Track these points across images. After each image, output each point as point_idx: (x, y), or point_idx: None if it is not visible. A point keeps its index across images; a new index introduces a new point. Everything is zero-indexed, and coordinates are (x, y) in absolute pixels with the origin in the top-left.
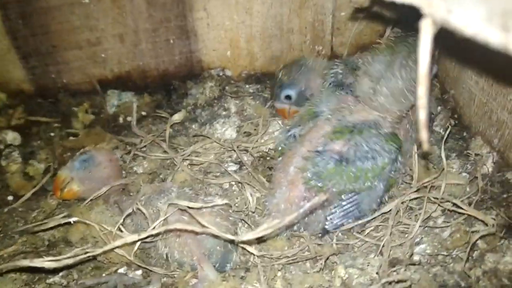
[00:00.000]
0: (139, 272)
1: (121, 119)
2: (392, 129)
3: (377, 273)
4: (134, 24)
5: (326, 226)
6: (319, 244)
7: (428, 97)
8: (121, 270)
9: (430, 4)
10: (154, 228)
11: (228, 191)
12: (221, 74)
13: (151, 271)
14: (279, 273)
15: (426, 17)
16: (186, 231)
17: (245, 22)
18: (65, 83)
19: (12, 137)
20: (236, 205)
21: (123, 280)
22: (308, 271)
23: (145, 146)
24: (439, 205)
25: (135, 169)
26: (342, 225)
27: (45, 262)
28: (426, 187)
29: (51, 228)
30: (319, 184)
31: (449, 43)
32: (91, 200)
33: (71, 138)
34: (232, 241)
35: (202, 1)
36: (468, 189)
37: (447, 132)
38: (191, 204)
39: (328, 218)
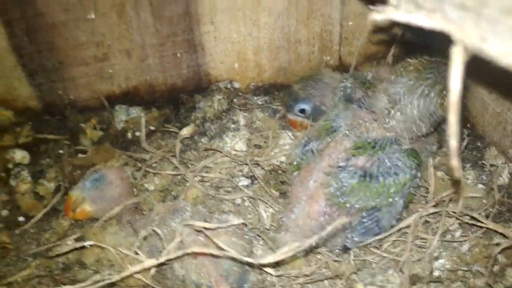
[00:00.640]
0: None
1: (129, 135)
2: (411, 145)
3: None
4: (141, 39)
5: (347, 244)
6: (337, 261)
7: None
8: None
9: (462, 30)
10: (171, 250)
11: (241, 207)
12: (229, 86)
13: None
14: None
15: (457, 44)
16: (204, 254)
17: (252, 34)
18: (72, 99)
19: (20, 156)
20: (250, 221)
21: None
22: None
23: (155, 162)
24: (457, 218)
25: (146, 186)
26: (362, 242)
27: None
28: (444, 201)
29: (67, 252)
30: (342, 200)
31: None
32: (103, 220)
33: (80, 155)
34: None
35: (209, 15)
36: (484, 201)
37: (464, 143)
38: (207, 225)
39: (349, 235)
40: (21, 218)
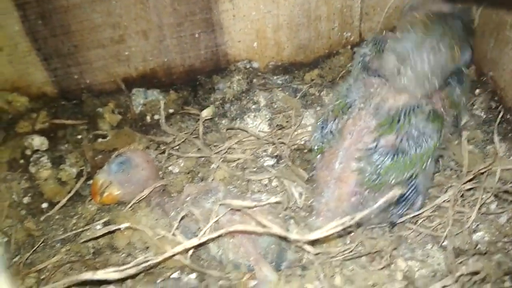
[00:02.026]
0: (193, 276)
1: (148, 118)
2: (431, 105)
3: (438, 264)
4: (158, 19)
5: (393, 219)
6: (372, 238)
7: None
8: (174, 275)
9: None
10: (207, 231)
11: (268, 187)
12: (248, 66)
13: (205, 274)
14: (337, 270)
15: None
16: (245, 232)
17: (272, 12)
18: (89, 83)
19: (39, 142)
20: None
21: (179, 286)
22: (366, 266)
23: (178, 145)
24: (495, 196)
25: (170, 169)
26: (405, 214)
27: (109, 274)
28: (481, 174)
29: (102, 236)
30: (378, 182)
31: (486, 25)
32: (133, 203)
33: (100, 140)
34: (286, 239)
35: None
36: None
37: (500, 116)
38: (245, 204)
39: (395, 211)
40: (44, 205)
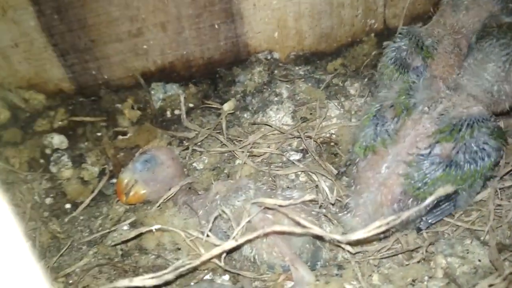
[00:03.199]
0: (226, 277)
1: (168, 113)
2: (496, 122)
3: (479, 260)
4: (176, 10)
5: (420, 226)
6: (407, 235)
7: None
8: (207, 277)
9: None
10: (241, 230)
11: (296, 182)
12: (268, 57)
13: (239, 275)
14: (374, 268)
15: None
16: (283, 232)
17: (293, 0)
18: (107, 79)
19: (58, 140)
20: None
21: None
22: (403, 264)
23: (201, 140)
24: None
25: (194, 165)
26: (435, 223)
27: (146, 280)
28: None
29: (132, 238)
30: (423, 191)
31: None
32: (161, 203)
33: (120, 137)
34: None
35: None
36: None
37: None
38: (279, 202)
39: (424, 218)
40: (67, 205)
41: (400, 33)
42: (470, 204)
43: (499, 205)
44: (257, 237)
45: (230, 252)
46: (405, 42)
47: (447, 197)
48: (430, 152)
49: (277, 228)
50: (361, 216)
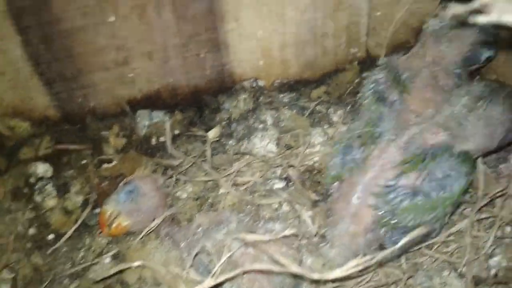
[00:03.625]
0: None
1: (154, 140)
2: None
3: None
4: (162, 40)
5: (385, 243)
6: (387, 266)
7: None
8: None
9: None
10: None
11: (279, 211)
12: (254, 85)
13: None
14: None
15: None
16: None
17: (278, 30)
18: (93, 107)
19: (43, 169)
20: (290, 225)
21: None
22: None
23: (186, 168)
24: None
25: (178, 195)
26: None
27: None
28: (494, 198)
29: (112, 275)
30: (392, 222)
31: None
32: (143, 236)
33: (105, 165)
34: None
35: (234, 11)
36: None
37: None
38: (260, 237)
39: (390, 235)
40: (50, 236)
41: (378, 65)
42: (447, 235)
43: (476, 236)
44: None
45: None
46: (383, 74)
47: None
48: (396, 183)
49: (256, 266)
50: (339, 247)
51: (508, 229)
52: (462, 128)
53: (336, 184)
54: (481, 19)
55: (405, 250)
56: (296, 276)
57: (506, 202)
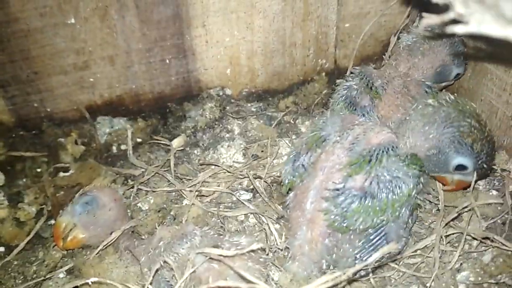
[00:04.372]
0: None
1: (114, 148)
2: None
3: None
4: (125, 44)
5: (356, 263)
6: (355, 280)
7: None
8: None
9: None
10: (184, 282)
11: (245, 224)
12: (220, 93)
13: None
14: None
15: None
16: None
17: (246, 38)
18: (49, 112)
19: None
20: (257, 239)
21: None
22: None
23: (148, 179)
24: (480, 241)
25: (139, 206)
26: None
27: None
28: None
29: None
30: (344, 225)
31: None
32: (100, 249)
33: (61, 174)
34: None
35: (201, 17)
36: (499, 208)
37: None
38: (224, 252)
39: (358, 256)
40: (1, 249)
41: (352, 73)
42: (414, 250)
43: (443, 251)
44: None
45: None
46: (356, 81)
47: (376, 230)
48: (344, 186)
49: (222, 283)
50: (300, 259)
51: (475, 243)
52: (403, 125)
53: (291, 194)
54: (459, 29)
55: (376, 266)
56: None
57: (473, 217)
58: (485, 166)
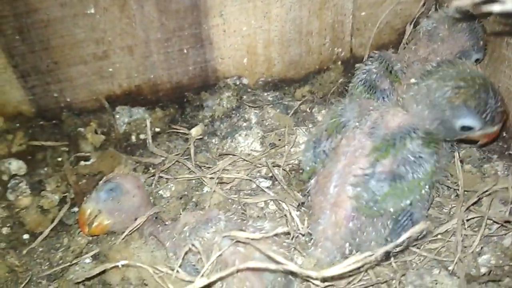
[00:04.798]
0: None
1: (133, 138)
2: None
3: None
4: (144, 34)
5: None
6: (377, 265)
7: None
8: None
9: None
10: (212, 265)
11: (265, 210)
12: (237, 83)
13: None
14: None
15: None
16: (257, 269)
17: (263, 27)
18: (69, 102)
19: (16, 166)
20: (280, 224)
21: None
22: None
23: (168, 167)
24: (502, 225)
25: (161, 193)
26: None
27: None
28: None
29: (95, 276)
30: (375, 209)
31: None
32: (126, 235)
33: (82, 162)
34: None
35: (219, 7)
36: None
37: None
38: (251, 235)
39: (388, 239)
40: (25, 236)
41: (371, 57)
42: (435, 234)
43: (464, 235)
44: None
45: None
46: (376, 65)
47: (403, 211)
48: (373, 171)
49: (252, 264)
50: (323, 246)
51: (494, 227)
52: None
53: (312, 180)
54: (496, 8)
55: (405, 246)
56: (286, 276)
57: (493, 202)
58: (492, 113)
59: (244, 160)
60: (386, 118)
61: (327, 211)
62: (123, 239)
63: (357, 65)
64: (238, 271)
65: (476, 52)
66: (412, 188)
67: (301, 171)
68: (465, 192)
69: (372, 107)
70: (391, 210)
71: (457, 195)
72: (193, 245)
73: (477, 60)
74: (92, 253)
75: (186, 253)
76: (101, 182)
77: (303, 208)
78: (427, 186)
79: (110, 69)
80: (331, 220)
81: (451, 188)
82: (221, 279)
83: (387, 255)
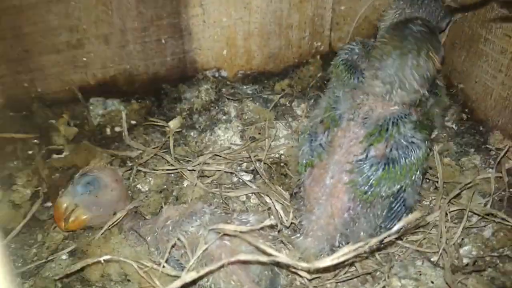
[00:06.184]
0: None
1: (108, 131)
2: (416, 116)
3: (432, 282)
4: (121, 23)
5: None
6: (361, 257)
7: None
8: None
9: None
10: (196, 259)
11: (247, 204)
12: (216, 75)
13: None
14: None
15: None
16: (246, 262)
17: (243, 18)
18: (40, 92)
19: None
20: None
21: None
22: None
23: (146, 160)
24: (483, 217)
25: (139, 187)
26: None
27: None
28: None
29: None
30: (370, 193)
31: (457, 38)
32: (105, 230)
33: (55, 156)
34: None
35: None
36: (496, 185)
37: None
38: (240, 228)
39: (382, 225)
40: None
41: (354, 41)
42: (418, 225)
43: (446, 227)
44: (206, 263)
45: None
46: (359, 47)
47: (396, 197)
48: (367, 156)
49: (242, 257)
50: (314, 235)
51: (474, 219)
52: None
53: (306, 173)
54: None
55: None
56: (273, 269)
57: (474, 194)
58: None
59: (225, 158)
60: (377, 110)
61: (323, 201)
62: (102, 234)
63: (340, 45)
64: (227, 264)
65: (443, 18)
66: (405, 172)
67: (282, 164)
68: (444, 185)
69: (359, 101)
70: (384, 194)
71: (436, 188)
72: (178, 239)
73: (448, 23)
74: (68, 249)
75: (172, 247)
76: (77, 175)
77: (295, 199)
78: (418, 172)
79: (84, 59)
80: (327, 210)
81: (430, 180)
82: (210, 272)
83: (378, 246)
